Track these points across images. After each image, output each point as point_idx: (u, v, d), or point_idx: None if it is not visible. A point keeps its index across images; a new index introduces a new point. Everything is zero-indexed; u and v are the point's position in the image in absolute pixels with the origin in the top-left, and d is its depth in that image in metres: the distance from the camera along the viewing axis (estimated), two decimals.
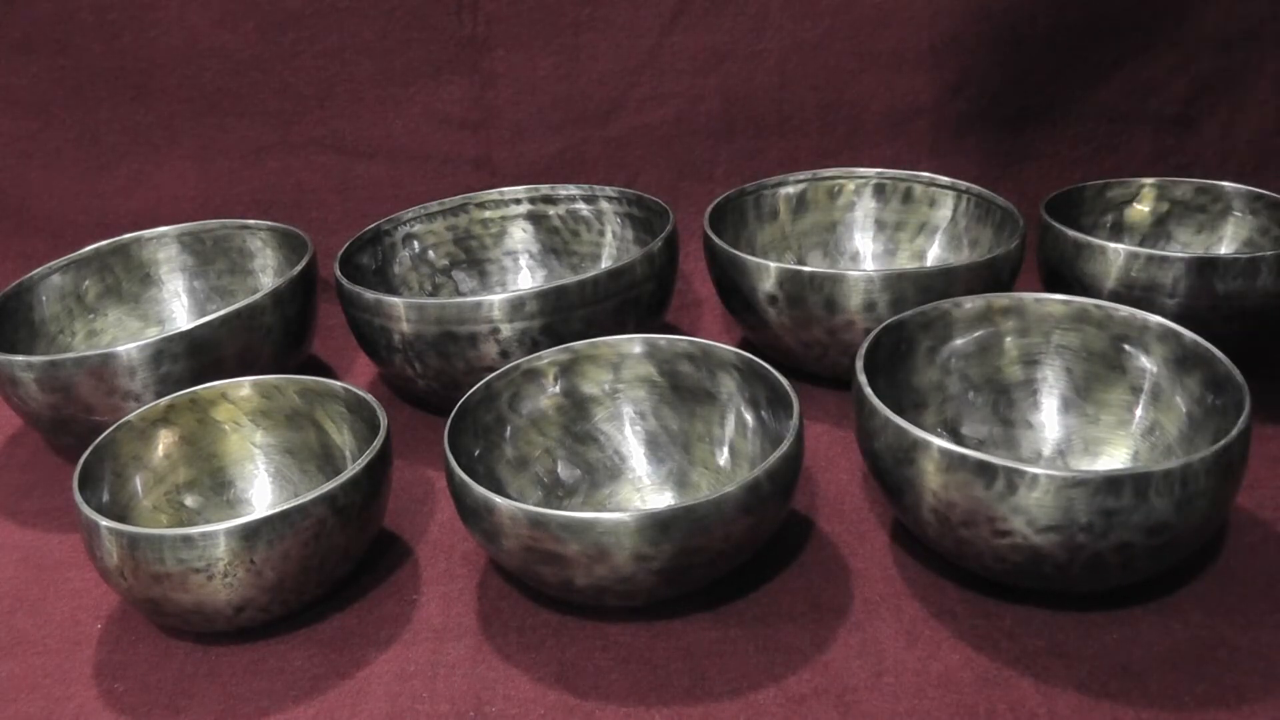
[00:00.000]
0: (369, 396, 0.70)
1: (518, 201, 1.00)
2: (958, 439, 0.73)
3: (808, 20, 1.10)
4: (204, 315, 0.82)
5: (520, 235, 1.01)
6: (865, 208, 0.99)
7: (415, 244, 0.97)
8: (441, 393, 0.82)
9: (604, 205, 0.98)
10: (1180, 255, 0.78)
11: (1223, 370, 0.65)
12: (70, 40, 1.09)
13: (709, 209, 0.91)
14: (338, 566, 0.65)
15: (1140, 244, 0.94)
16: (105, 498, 0.68)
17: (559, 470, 0.74)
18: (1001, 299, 0.75)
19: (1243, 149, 1.11)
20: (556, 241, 1.01)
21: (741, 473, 0.71)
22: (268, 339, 0.83)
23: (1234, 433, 0.58)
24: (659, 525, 0.58)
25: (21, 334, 0.89)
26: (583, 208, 0.99)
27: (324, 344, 0.99)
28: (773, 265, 0.81)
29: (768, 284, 0.81)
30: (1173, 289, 0.78)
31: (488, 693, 0.60)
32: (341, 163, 1.14)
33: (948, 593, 0.65)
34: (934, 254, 0.96)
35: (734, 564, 0.63)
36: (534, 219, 1.01)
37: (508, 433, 0.73)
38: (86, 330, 0.95)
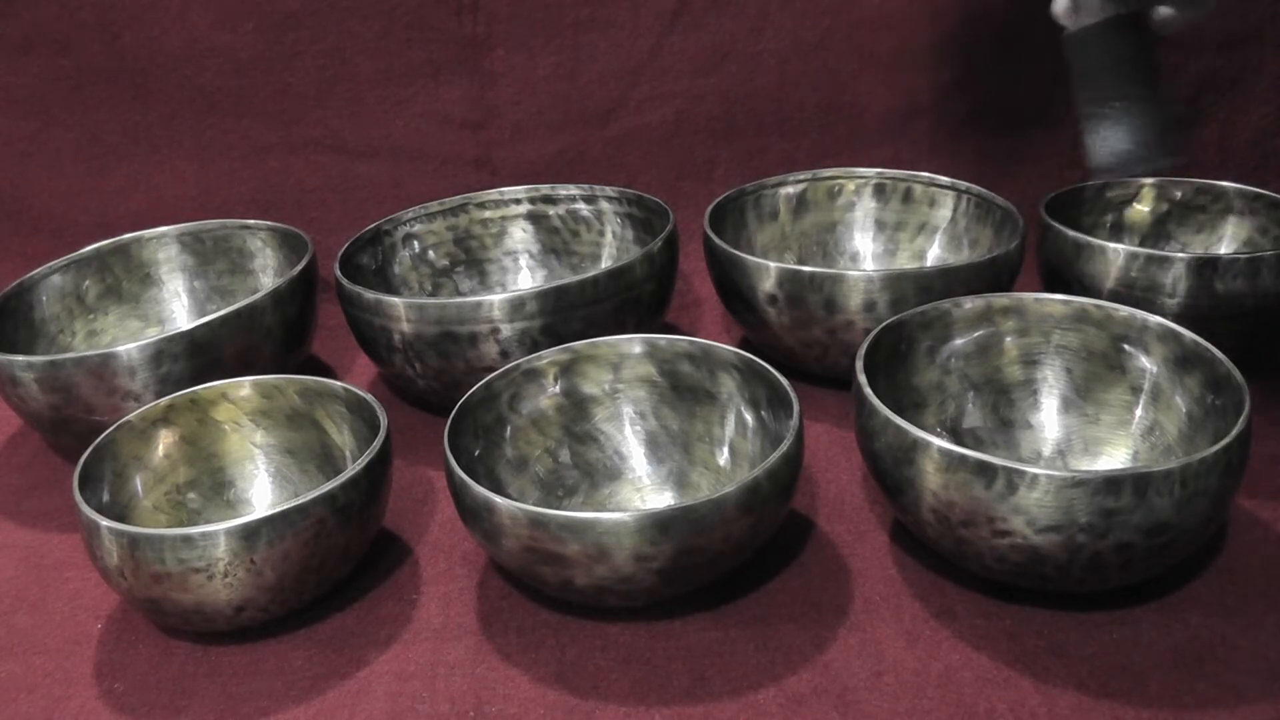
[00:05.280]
0: (369, 396, 0.70)
1: (518, 201, 1.00)
2: (958, 439, 0.73)
3: (808, 20, 1.10)
4: (204, 315, 0.82)
5: (520, 235, 1.01)
6: (865, 208, 0.99)
7: (415, 244, 0.97)
8: (441, 393, 0.82)
9: (604, 205, 0.98)
10: (1180, 255, 0.78)
11: (1223, 370, 0.65)
12: (70, 40, 1.09)
13: (709, 209, 0.91)
14: (338, 566, 0.65)
15: (1140, 244, 0.94)
16: (105, 498, 0.68)
17: (559, 470, 0.74)
18: (1001, 299, 0.75)
19: (1243, 149, 1.11)
20: (556, 241, 1.01)
21: (741, 473, 0.71)
22: (268, 339, 0.83)
23: (1234, 433, 0.58)
24: (659, 525, 0.58)
25: (21, 334, 0.89)
26: (583, 208, 0.99)
27: (324, 344, 0.99)
28: (773, 265, 0.81)
29: (768, 284, 0.81)
30: (1173, 289, 0.78)
31: (488, 693, 0.60)
32: (341, 163, 1.14)
33: (948, 593, 0.65)
34: (934, 254, 0.96)
35: (734, 564, 0.63)
36: (534, 219, 1.01)
37: (508, 433, 0.73)
38: (86, 330, 0.95)
